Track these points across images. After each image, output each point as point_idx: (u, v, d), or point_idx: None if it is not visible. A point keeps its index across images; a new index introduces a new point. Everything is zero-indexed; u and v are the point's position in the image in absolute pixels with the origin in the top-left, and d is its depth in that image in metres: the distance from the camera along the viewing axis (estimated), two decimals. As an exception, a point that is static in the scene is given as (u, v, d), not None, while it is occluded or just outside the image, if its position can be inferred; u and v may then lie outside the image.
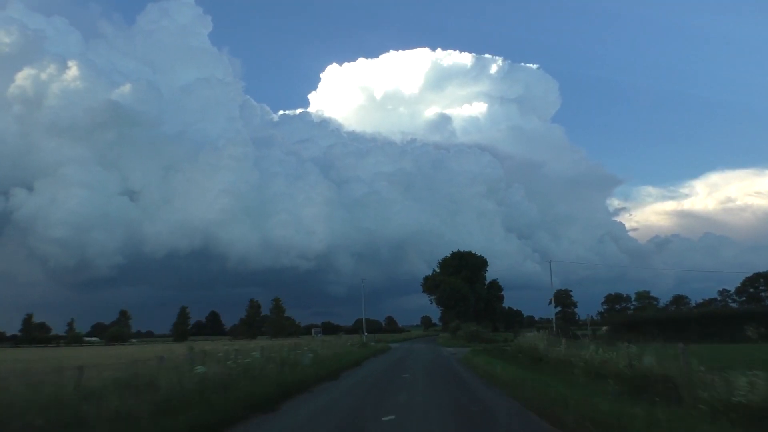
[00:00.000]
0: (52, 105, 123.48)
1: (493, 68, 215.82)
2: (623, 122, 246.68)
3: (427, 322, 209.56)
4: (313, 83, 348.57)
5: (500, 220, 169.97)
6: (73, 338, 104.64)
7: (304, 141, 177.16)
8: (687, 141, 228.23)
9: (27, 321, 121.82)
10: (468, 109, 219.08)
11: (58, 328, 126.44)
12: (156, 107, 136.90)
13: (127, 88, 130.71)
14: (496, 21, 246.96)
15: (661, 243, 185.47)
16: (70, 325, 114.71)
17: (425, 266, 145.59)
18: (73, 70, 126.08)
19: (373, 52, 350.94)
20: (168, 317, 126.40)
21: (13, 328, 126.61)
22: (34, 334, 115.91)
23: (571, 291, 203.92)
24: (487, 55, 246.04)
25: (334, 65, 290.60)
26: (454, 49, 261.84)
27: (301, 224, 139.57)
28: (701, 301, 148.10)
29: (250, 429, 11.10)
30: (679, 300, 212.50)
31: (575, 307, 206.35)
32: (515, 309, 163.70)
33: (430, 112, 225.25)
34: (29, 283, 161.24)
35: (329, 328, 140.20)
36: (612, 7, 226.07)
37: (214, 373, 14.61)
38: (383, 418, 11.83)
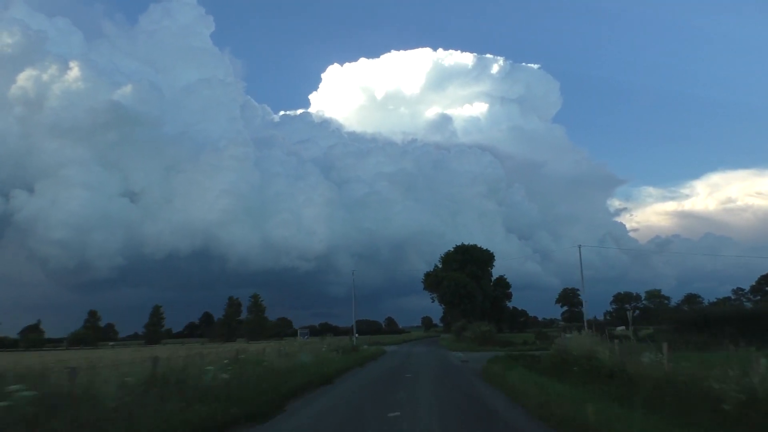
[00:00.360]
0: (53, 106, 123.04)
1: (495, 68, 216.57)
2: (624, 122, 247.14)
3: (427, 322, 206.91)
4: (314, 83, 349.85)
5: (501, 220, 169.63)
6: (31, 342, 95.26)
7: (305, 141, 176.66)
8: (687, 141, 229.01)
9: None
10: (469, 109, 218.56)
11: (59, 331, 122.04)
12: (157, 108, 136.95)
13: (128, 88, 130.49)
14: (498, 21, 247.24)
15: (661, 243, 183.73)
16: (36, 326, 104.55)
17: (426, 266, 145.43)
18: (74, 71, 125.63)
19: (374, 52, 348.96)
20: (170, 318, 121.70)
21: (14, 331, 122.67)
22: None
23: (578, 290, 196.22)
24: (488, 55, 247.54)
25: (335, 65, 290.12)
26: (456, 49, 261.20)
27: (301, 225, 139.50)
28: (715, 300, 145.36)
29: None
30: (691, 299, 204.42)
31: (582, 306, 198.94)
32: (519, 309, 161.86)
33: (431, 112, 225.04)
34: (30, 285, 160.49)
35: (327, 329, 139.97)
36: (613, 7, 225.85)
37: None
38: None
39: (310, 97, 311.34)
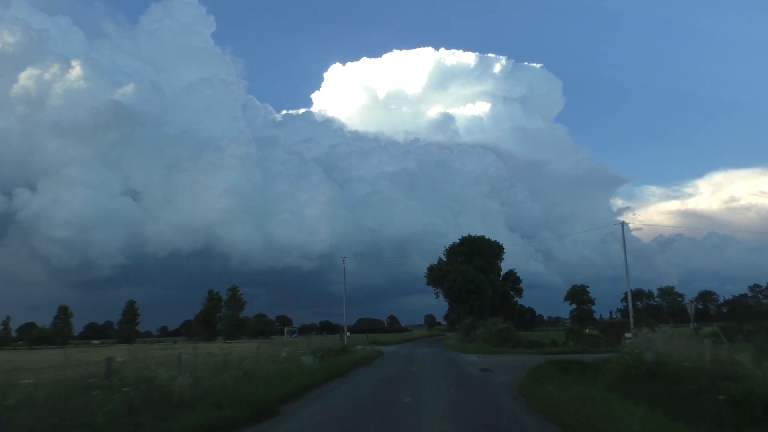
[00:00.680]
0: (55, 105, 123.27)
1: (497, 67, 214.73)
2: (627, 122, 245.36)
3: (430, 321, 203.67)
4: (316, 83, 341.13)
5: (503, 219, 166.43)
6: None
7: (307, 141, 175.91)
8: (690, 140, 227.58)
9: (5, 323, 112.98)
10: (471, 108, 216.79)
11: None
12: (159, 107, 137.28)
13: (130, 87, 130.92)
14: (500, 20, 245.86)
15: (665, 242, 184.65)
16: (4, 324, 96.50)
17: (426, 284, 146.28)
18: (76, 70, 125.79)
19: (376, 52, 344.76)
20: (171, 316, 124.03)
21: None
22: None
23: (588, 287, 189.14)
24: (490, 55, 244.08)
25: (337, 65, 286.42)
26: (458, 49, 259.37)
27: (303, 224, 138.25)
28: (730, 297, 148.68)
29: None
30: (706, 296, 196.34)
31: (592, 304, 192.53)
32: (526, 306, 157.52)
33: (433, 111, 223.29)
34: (32, 284, 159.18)
35: (328, 328, 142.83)
36: (616, 6, 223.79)
37: None
38: None
39: (313, 96, 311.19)
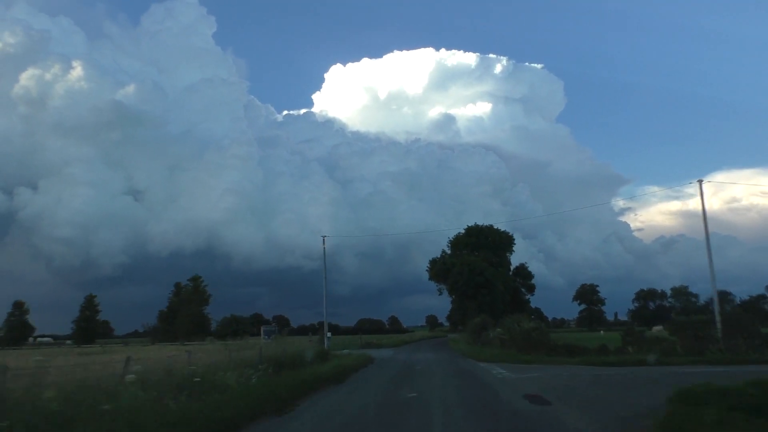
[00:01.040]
0: (56, 105, 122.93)
1: (498, 68, 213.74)
2: (628, 122, 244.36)
3: (432, 321, 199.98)
4: (317, 83, 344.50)
5: (505, 220, 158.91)
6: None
7: (309, 141, 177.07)
8: (692, 141, 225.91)
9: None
10: (472, 109, 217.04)
11: (62, 329, 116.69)
12: (160, 107, 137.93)
13: (131, 88, 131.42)
14: (501, 21, 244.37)
15: (666, 243, 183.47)
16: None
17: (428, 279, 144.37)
18: (77, 70, 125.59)
19: (376, 52, 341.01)
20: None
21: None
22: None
23: (597, 286, 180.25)
24: (491, 55, 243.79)
25: (338, 65, 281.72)
26: (459, 49, 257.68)
27: (305, 224, 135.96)
28: (747, 298, 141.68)
29: None
30: (722, 296, 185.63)
31: (603, 304, 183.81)
32: (532, 306, 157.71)
33: (434, 112, 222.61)
34: (34, 283, 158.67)
35: (329, 328, 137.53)
36: (617, 6, 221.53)
37: None
38: None
39: (314, 96, 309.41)
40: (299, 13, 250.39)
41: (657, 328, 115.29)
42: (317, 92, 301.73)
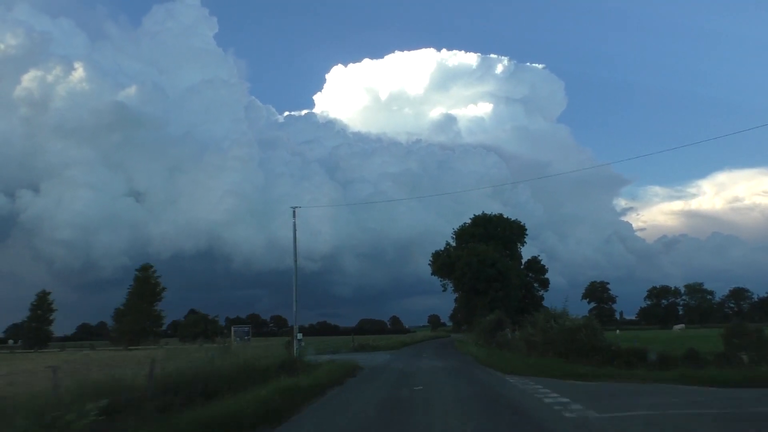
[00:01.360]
0: (57, 106, 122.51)
1: (499, 68, 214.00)
2: (630, 122, 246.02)
3: (435, 321, 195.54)
4: (318, 84, 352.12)
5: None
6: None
7: (310, 142, 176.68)
8: (694, 140, 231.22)
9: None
10: (473, 109, 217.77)
11: (63, 330, 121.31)
12: (161, 108, 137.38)
13: (132, 89, 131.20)
14: (502, 21, 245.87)
15: (668, 243, 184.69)
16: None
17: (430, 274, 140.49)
18: (78, 72, 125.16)
19: (378, 53, 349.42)
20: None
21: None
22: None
23: (608, 283, 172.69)
24: (492, 55, 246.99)
25: (339, 66, 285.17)
26: (460, 50, 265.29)
27: (306, 225, 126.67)
28: (765, 295, 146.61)
29: None
30: (738, 293, 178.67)
31: (613, 302, 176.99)
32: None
33: (435, 112, 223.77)
34: (35, 285, 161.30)
35: (327, 329, 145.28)
36: (618, 6, 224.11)
37: None
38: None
39: (315, 97, 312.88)
40: (300, 13, 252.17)
41: (679, 327, 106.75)
42: (318, 93, 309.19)
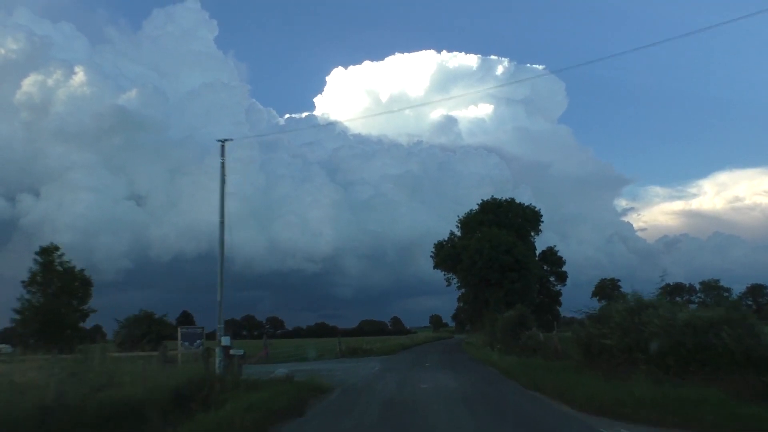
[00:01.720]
0: (58, 110, 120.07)
1: (499, 69, 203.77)
2: (631, 122, 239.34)
3: (436, 321, 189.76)
4: (318, 86, 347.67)
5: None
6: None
7: (310, 144, 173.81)
8: (694, 140, 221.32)
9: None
10: (474, 110, 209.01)
11: None
12: (162, 112, 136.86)
13: (133, 93, 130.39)
14: (502, 22, 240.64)
15: (669, 243, 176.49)
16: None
17: (432, 268, 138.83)
18: (79, 76, 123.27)
19: (378, 55, 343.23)
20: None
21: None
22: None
23: (619, 281, 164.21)
24: (492, 57, 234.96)
25: (340, 68, 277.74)
26: (460, 51, 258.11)
27: (307, 227, 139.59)
28: None
29: None
30: (756, 290, 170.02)
31: None
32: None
33: (436, 114, 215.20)
34: None
35: (325, 331, 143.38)
36: (618, 6, 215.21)
37: None
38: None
39: (315, 100, 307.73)
40: (300, 15, 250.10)
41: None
42: (319, 95, 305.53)
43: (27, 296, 34.15)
